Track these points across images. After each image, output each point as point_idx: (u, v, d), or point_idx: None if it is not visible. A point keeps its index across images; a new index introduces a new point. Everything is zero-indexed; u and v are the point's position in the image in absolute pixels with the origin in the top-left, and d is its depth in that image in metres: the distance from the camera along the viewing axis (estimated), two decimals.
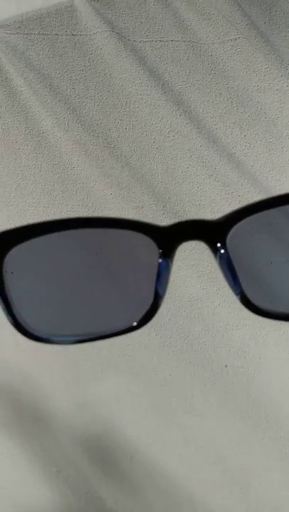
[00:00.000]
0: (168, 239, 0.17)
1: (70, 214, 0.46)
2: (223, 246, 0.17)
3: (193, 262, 0.43)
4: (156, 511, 0.33)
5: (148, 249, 0.17)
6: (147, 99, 0.47)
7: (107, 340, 0.42)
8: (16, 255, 0.15)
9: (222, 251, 0.17)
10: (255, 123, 0.46)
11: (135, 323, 0.17)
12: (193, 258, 0.43)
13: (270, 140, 0.45)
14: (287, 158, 0.45)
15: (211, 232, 0.17)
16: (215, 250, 0.17)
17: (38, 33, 0.48)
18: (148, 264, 0.17)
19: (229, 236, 0.17)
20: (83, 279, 0.17)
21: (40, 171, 0.44)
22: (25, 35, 0.47)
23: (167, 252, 0.17)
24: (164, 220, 0.44)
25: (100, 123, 0.47)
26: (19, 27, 0.48)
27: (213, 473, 0.34)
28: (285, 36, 0.50)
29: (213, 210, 0.44)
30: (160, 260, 0.17)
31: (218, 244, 0.17)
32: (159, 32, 0.48)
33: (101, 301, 0.18)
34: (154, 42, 0.48)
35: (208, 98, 0.47)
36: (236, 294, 0.17)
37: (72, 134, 0.46)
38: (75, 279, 0.17)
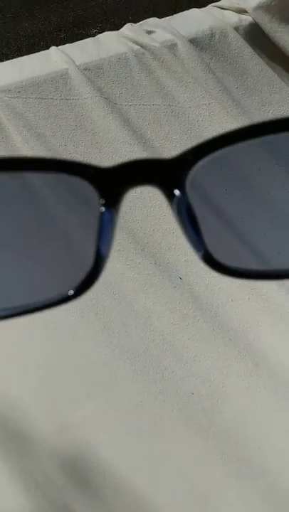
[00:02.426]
0: (112, 183, 0.13)
1: None
2: (182, 191, 0.13)
3: (167, 300, 0.47)
4: None
5: (87, 197, 0.13)
6: (131, 155, 0.53)
7: (87, 370, 0.46)
8: None
9: (179, 196, 0.13)
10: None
11: (72, 292, 0.13)
12: (166, 295, 0.48)
13: (244, 193, 0.51)
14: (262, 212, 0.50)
15: (166, 174, 0.13)
16: (170, 197, 0.13)
17: (36, 97, 0.55)
18: (88, 216, 0.13)
19: (189, 178, 0.13)
20: (8, 241, 0.13)
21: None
22: (24, 99, 0.54)
23: (111, 200, 0.13)
24: (141, 262, 0.50)
25: None
26: (19, 91, 0.55)
27: (177, 490, 0.37)
28: (254, 98, 0.56)
29: (187, 253, 0.49)
30: (102, 210, 0.13)
31: (176, 190, 0.13)
32: (142, 97, 0.55)
33: (32, 266, 0.14)
34: (137, 105, 0.55)
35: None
36: (198, 251, 0.14)
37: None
38: (3, 239, 0.13)
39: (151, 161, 0.12)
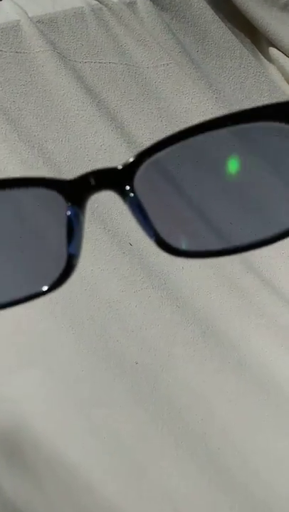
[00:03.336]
0: (76, 190, 0.16)
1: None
2: (131, 189, 0.15)
3: (115, 266, 0.45)
4: (54, 500, 0.34)
5: (57, 205, 0.15)
6: (84, 115, 0.50)
7: (25, 338, 0.44)
8: None
9: (131, 195, 0.15)
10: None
11: (46, 288, 0.16)
12: (115, 262, 0.45)
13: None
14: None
15: (117, 179, 0.16)
16: (124, 196, 0.16)
17: None
18: (58, 221, 0.15)
19: (136, 179, 0.15)
20: None
21: None
22: None
23: (76, 204, 0.15)
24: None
25: (37, 135, 0.50)
26: None
27: (113, 462, 0.35)
28: (215, 64, 0.54)
29: None
30: (69, 213, 0.15)
31: (127, 188, 0.15)
32: (98, 54, 0.52)
33: (17, 264, 0.16)
34: (93, 63, 0.52)
35: (140, 116, 0.50)
36: (151, 237, 0.16)
37: (9, 144, 0.49)
38: None
39: (104, 171, 0.16)
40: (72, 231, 0.15)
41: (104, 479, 0.35)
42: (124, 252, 0.46)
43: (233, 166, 0.16)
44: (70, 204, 0.15)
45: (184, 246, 0.17)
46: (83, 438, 0.37)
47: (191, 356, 0.39)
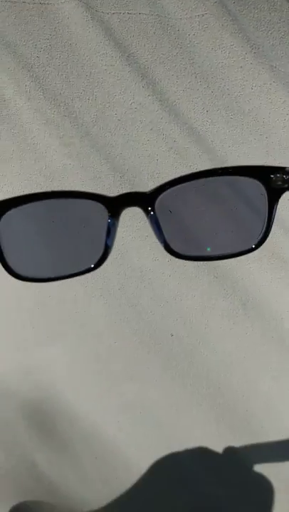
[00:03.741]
0: (114, 205, 0.22)
1: (28, 183, 0.45)
2: (152, 210, 0.22)
3: (147, 233, 0.42)
4: (90, 475, 0.33)
5: (101, 213, 0.22)
6: (112, 71, 0.47)
7: (57, 309, 0.42)
8: (5, 220, 0.22)
9: (151, 213, 0.22)
10: (217, 99, 0.45)
11: (92, 265, 0.22)
12: (146, 228, 0.43)
13: (232, 116, 0.45)
14: (247, 135, 0.45)
15: (144, 200, 0.22)
16: (147, 213, 0.22)
17: (5, 0, 0.47)
18: (101, 224, 0.22)
19: (157, 202, 0.22)
20: (55, 235, 0.23)
21: None
22: None
23: (114, 215, 0.22)
24: (120, 190, 0.44)
25: (63, 92, 0.47)
26: None
27: (150, 438, 0.33)
28: (253, 17, 0.50)
29: None
30: (109, 220, 0.22)
31: (149, 208, 0.22)
32: (127, 4, 0.48)
33: (68, 251, 0.23)
34: (121, 14, 0.48)
35: (172, 72, 0.46)
36: (161, 243, 0.23)
37: (33, 103, 0.46)
38: (48, 235, 0.23)
39: (136, 193, 0.22)
40: (110, 231, 0.22)
41: (141, 455, 0.33)
42: None
43: (220, 199, 0.23)
44: (110, 214, 0.22)
45: (184, 252, 0.23)
46: (118, 414, 0.35)
47: (230, 329, 0.37)
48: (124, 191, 0.45)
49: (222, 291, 0.38)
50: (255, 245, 0.22)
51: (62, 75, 0.47)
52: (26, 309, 0.39)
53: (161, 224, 0.22)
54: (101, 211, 0.22)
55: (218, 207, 0.23)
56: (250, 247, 0.22)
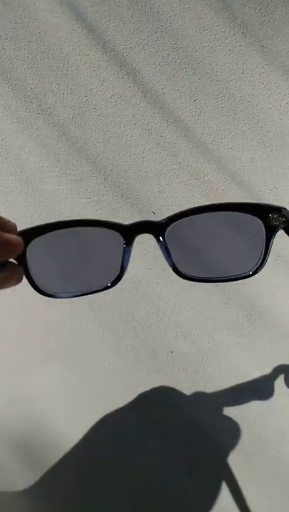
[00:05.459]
0: (129, 233, 0.25)
1: (2, 189, 0.41)
2: (163, 237, 0.25)
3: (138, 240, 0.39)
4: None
5: (117, 239, 0.25)
6: (87, 61, 0.42)
7: (46, 332, 0.38)
8: (34, 245, 0.25)
9: (161, 240, 0.25)
10: (205, 86, 0.41)
11: (109, 284, 0.26)
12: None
13: (222, 105, 0.41)
14: (241, 125, 0.41)
15: (155, 229, 0.25)
16: (158, 240, 0.26)
17: None
18: (117, 248, 0.25)
19: (167, 231, 0.25)
20: (77, 258, 0.26)
21: None
22: None
23: (128, 241, 0.25)
24: (105, 193, 0.40)
25: (34, 87, 0.42)
26: None
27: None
28: None
29: (160, 182, 0.40)
30: (124, 246, 0.25)
31: (160, 237, 0.25)
32: None
33: (88, 271, 0.26)
34: None
35: (154, 59, 0.42)
36: (169, 265, 0.26)
37: (1, 100, 0.41)
38: (71, 257, 0.26)
39: (149, 222, 0.26)
40: (125, 254, 0.25)
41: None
42: None
43: (223, 229, 0.25)
44: (125, 241, 0.25)
45: (189, 273, 0.26)
46: (116, 441, 0.31)
47: (236, 342, 0.33)
48: (110, 194, 0.41)
49: (224, 301, 0.34)
50: (253, 272, 0.25)
51: (32, 67, 0.43)
52: (10, 332, 0.35)
53: (170, 249, 0.25)
54: (117, 237, 0.25)
55: (221, 236, 0.25)
56: (248, 274, 0.25)
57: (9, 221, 0.26)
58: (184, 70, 0.42)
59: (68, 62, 0.42)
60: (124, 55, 0.42)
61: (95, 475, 0.31)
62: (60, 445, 0.32)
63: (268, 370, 0.32)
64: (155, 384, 0.33)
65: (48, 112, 0.42)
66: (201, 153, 0.40)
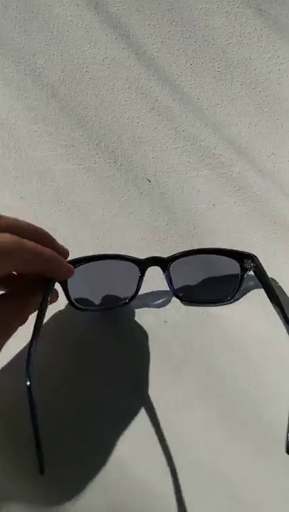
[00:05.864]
0: (142, 265, 0.34)
1: None
2: (167, 270, 0.34)
3: (131, 210, 0.37)
4: None
5: (132, 269, 0.34)
6: (78, 22, 0.40)
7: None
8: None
9: (166, 272, 0.34)
10: (202, 49, 0.40)
11: (127, 301, 0.34)
12: (131, 204, 0.37)
13: (219, 69, 0.40)
14: (238, 89, 0.39)
15: (163, 263, 0.34)
16: (164, 271, 0.34)
17: None
18: (133, 276, 0.34)
19: (171, 265, 0.34)
20: (103, 282, 0.34)
21: None
22: None
23: (142, 271, 0.34)
24: (98, 159, 0.38)
25: (22, 48, 0.40)
26: None
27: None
28: None
29: (155, 148, 0.38)
30: (139, 275, 0.34)
31: (165, 269, 0.34)
32: None
33: (111, 292, 0.35)
34: None
35: (148, 21, 0.40)
36: (171, 291, 0.35)
37: None
38: (99, 282, 0.34)
39: (158, 258, 0.34)
40: (139, 280, 0.34)
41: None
42: (141, 192, 0.37)
43: (210, 265, 0.34)
44: (140, 271, 0.34)
45: (188, 298, 0.35)
46: None
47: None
48: (102, 161, 0.39)
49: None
50: (230, 297, 0.34)
51: (20, 27, 0.40)
52: None
53: (172, 278, 0.34)
54: (133, 268, 0.34)
55: (208, 270, 0.34)
56: (227, 299, 0.34)
57: (64, 248, 0.32)
58: (180, 32, 0.40)
59: (59, 23, 0.40)
60: (118, 16, 0.40)
61: None
62: None
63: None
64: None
65: (36, 73, 0.39)
66: (197, 118, 0.39)
